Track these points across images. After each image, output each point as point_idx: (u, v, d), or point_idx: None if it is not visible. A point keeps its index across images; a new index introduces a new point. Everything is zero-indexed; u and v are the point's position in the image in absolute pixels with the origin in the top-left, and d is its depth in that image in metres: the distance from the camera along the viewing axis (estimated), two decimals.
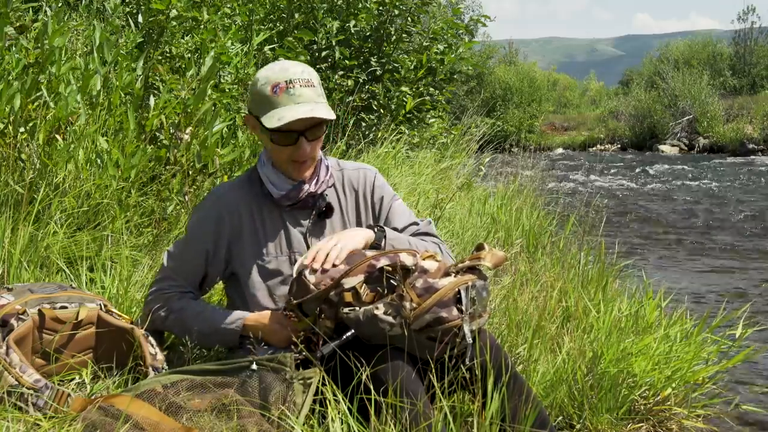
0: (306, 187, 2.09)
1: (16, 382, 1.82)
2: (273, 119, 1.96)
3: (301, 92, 1.98)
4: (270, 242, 2.09)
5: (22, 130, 2.89)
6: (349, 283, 1.84)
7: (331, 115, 2.00)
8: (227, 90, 4.00)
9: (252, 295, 2.08)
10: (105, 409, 1.74)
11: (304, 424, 1.78)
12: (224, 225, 2.09)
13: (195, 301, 2.13)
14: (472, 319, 1.84)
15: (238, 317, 2.03)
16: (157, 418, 1.71)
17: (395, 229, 2.15)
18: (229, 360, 1.91)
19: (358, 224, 2.18)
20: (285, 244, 2.09)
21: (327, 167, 2.16)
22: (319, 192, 2.11)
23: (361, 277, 1.84)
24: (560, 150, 28.16)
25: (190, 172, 3.36)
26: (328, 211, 2.14)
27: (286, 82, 1.98)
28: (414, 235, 2.17)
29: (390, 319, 1.79)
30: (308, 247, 2.09)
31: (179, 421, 1.73)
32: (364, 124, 6.08)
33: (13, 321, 1.97)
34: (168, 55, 4.20)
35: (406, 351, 1.82)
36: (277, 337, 1.98)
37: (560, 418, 2.54)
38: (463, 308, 1.81)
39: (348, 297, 1.83)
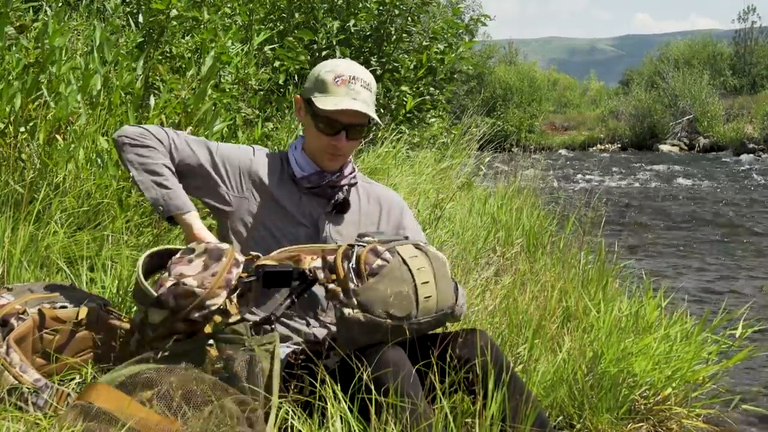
0: (328, 176, 2.14)
1: (16, 382, 1.82)
2: (328, 103, 2.03)
3: (360, 91, 2.06)
4: (286, 209, 2.13)
5: (22, 130, 2.89)
6: (214, 304, 1.82)
7: (378, 120, 2.09)
8: (227, 90, 4.00)
9: (246, 240, 2.10)
10: (85, 409, 1.68)
11: (304, 423, 1.79)
12: (254, 169, 2.14)
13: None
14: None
15: (190, 205, 2.05)
16: (144, 414, 1.68)
17: None
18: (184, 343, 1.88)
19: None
20: (299, 214, 2.13)
21: (353, 168, 2.21)
22: (339, 184, 2.16)
23: (224, 294, 1.83)
24: (563, 151, 27.98)
25: None
26: (344, 205, 2.17)
27: (350, 76, 2.06)
28: None
29: (350, 311, 1.81)
30: (320, 230, 2.12)
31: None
32: None
33: (13, 320, 1.96)
34: (168, 55, 4.20)
35: (406, 352, 1.83)
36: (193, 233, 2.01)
37: (560, 417, 2.54)
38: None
39: (218, 319, 1.83)
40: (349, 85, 2.05)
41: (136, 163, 2.04)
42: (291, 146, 2.21)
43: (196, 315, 1.81)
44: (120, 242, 2.85)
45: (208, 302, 1.81)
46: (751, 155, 24.09)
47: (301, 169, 2.15)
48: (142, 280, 1.86)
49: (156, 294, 1.81)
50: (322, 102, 2.04)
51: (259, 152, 2.20)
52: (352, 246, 1.90)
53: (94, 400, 1.67)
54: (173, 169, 2.08)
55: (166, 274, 1.87)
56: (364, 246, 1.88)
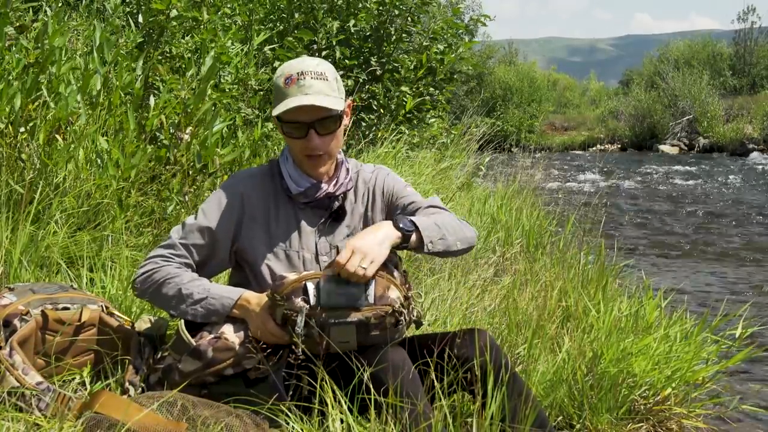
0: (324, 187, 2.08)
1: (18, 384, 1.82)
2: (279, 108, 1.97)
3: (311, 84, 1.97)
4: (281, 235, 2.08)
5: (22, 130, 2.90)
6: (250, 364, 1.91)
7: (335, 105, 1.98)
8: (227, 90, 4.00)
9: (256, 280, 2.06)
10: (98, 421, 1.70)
11: (306, 423, 1.79)
12: (239, 207, 2.07)
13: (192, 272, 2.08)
14: (320, 312, 1.83)
15: (238, 290, 1.99)
16: (146, 418, 1.69)
17: (415, 211, 2.13)
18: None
19: (365, 224, 2.16)
20: (296, 239, 2.08)
21: (347, 170, 2.15)
22: (336, 194, 2.10)
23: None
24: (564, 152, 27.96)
25: (190, 172, 3.37)
26: (340, 214, 2.13)
27: (297, 73, 1.98)
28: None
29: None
30: (317, 247, 2.08)
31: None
32: (364, 124, 6.09)
33: (16, 321, 1.96)
34: (168, 55, 4.21)
35: (406, 351, 1.83)
36: (255, 325, 1.92)
37: (560, 418, 2.54)
38: (310, 299, 1.83)
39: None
40: (299, 83, 1.96)
41: (165, 302, 2.00)
42: (282, 156, 2.14)
43: (231, 372, 1.88)
44: (120, 242, 2.85)
45: (244, 362, 1.87)
46: (751, 155, 24.09)
47: (296, 185, 2.08)
48: (183, 328, 1.91)
49: (194, 343, 1.88)
50: (277, 109, 1.98)
51: (239, 192, 2.08)
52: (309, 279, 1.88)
53: (100, 409, 1.70)
54: (194, 269, 2.05)
55: (209, 328, 1.93)
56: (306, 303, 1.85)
